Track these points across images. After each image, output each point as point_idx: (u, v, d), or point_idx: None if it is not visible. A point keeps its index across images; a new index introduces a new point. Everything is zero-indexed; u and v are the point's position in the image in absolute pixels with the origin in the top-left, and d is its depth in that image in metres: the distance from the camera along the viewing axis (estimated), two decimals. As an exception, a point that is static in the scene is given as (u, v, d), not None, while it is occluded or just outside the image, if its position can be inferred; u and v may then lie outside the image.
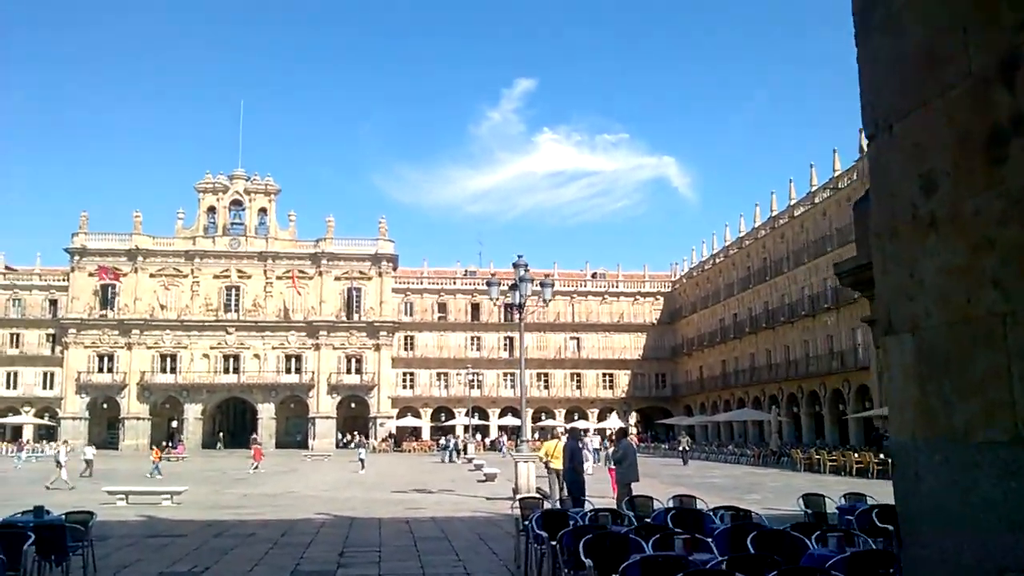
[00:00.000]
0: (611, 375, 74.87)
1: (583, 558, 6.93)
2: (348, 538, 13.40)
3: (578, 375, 74.46)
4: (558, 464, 18.81)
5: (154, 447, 40.92)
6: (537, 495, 21.24)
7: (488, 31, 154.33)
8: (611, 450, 21.81)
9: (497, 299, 22.39)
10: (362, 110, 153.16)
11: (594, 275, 77.90)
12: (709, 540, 7.40)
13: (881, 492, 14.65)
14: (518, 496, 20.78)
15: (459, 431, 68.69)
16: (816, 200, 51.68)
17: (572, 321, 74.58)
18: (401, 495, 24.21)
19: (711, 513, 10.27)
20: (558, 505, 18.35)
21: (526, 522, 10.19)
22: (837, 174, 49.23)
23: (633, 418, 71.71)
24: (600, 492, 23.69)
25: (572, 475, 14.57)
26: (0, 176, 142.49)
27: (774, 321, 56.25)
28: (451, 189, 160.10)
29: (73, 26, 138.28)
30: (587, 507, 11.52)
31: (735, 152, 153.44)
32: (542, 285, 22.14)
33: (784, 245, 55.68)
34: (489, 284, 22.52)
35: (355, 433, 67.34)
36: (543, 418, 72.90)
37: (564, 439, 19.62)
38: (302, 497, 24.06)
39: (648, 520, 10.30)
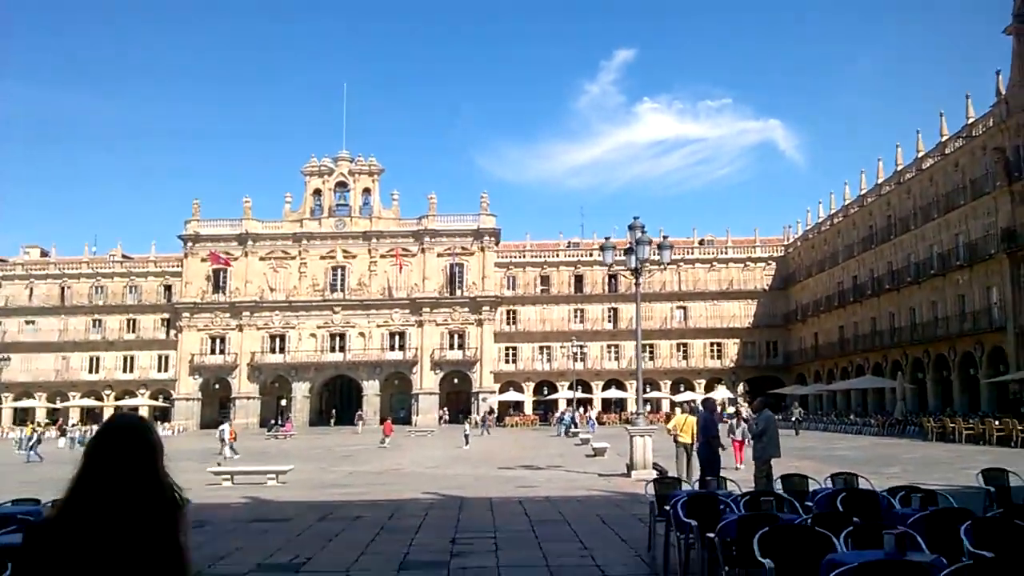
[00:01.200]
0: (719, 344, 72.15)
1: (760, 557, 5.46)
2: (459, 521, 12.24)
3: (685, 345, 72.06)
4: (686, 438, 17.74)
5: (229, 425, 39.30)
6: (655, 471, 19.81)
7: (584, 3, 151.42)
8: (747, 423, 19.88)
9: (611, 265, 20.84)
10: (462, 89, 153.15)
11: (701, 242, 75.10)
12: (916, 535, 5.79)
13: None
14: (637, 473, 19.38)
15: (561, 404, 67.76)
16: (947, 151, 47.83)
17: (679, 290, 72.03)
18: (509, 472, 23.09)
19: (886, 495, 8.58)
20: (688, 482, 16.92)
21: (666, 507, 8.73)
22: (970, 121, 45.30)
23: (741, 388, 69.05)
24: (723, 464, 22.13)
25: (706, 450, 12.98)
26: (117, 168, 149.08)
27: (899, 282, 52.64)
28: (551, 164, 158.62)
29: (181, 21, 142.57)
30: (732, 488, 9.95)
31: (844, 113, 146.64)
32: (660, 248, 20.47)
33: (911, 201, 51.88)
34: (603, 249, 20.96)
35: (461, 413, 66.71)
36: (648, 390, 70.94)
37: (696, 410, 18.02)
38: (408, 474, 23.24)
39: (810, 504, 8.70)
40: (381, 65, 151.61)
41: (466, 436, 38.81)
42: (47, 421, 67.27)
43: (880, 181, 56.99)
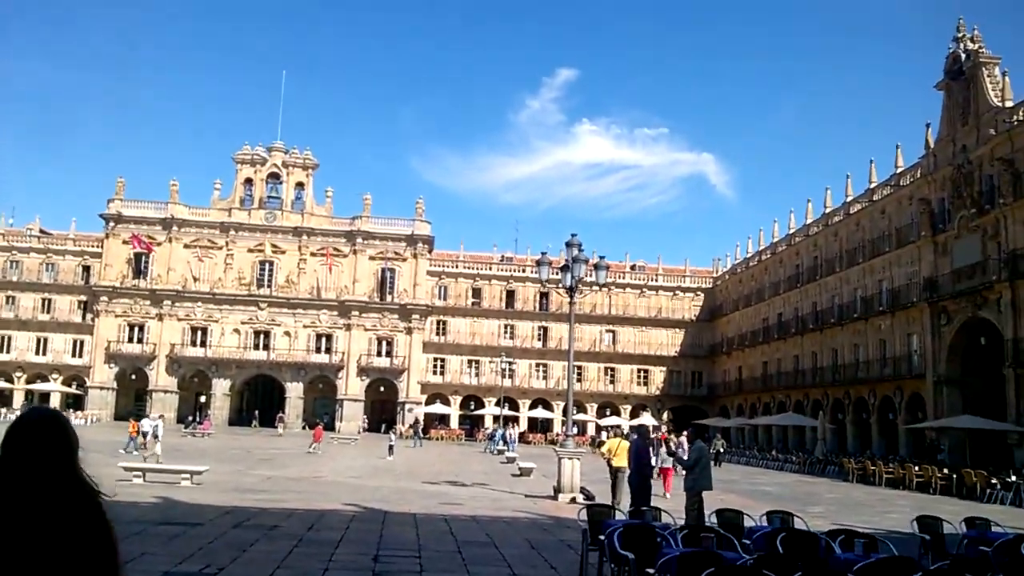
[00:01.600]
0: (646, 371, 72.85)
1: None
2: (382, 537, 11.79)
3: (612, 369, 72.54)
4: (621, 461, 17.76)
5: (131, 420, 38.12)
6: (582, 495, 19.61)
7: (532, 19, 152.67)
8: (678, 451, 19.95)
9: (546, 281, 20.63)
10: (403, 91, 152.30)
11: (633, 267, 75.84)
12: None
13: (954, 511, 12.87)
14: (564, 496, 19.15)
15: (488, 420, 67.49)
16: (875, 198, 49.26)
17: (608, 314, 72.56)
18: (433, 487, 22.66)
19: (825, 537, 8.49)
20: (618, 508, 16.85)
21: (600, 536, 8.48)
22: (899, 170, 46.77)
23: (666, 416, 69.72)
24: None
25: (638, 478, 12.79)
26: (37, 140, 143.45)
27: (822, 323, 53.95)
28: (488, 176, 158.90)
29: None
30: (666, 519, 9.77)
31: (775, 151, 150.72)
32: (596, 268, 20.37)
33: (838, 243, 53.29)
34: (539, 264, 20.76)
35: (385, 422, 65.76)
36: (575, 411, 71.20)
37: (629, 437, 18.08)
38: (329, 483, 22.61)
39: (748, 543, 8.56)
40: (322, 56, 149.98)
41: (390, 447, 38.04)
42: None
43: (809, 222, 58.46)
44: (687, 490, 12.81)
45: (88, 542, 2.29)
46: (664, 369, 72.84)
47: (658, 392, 72.27)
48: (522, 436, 63.44)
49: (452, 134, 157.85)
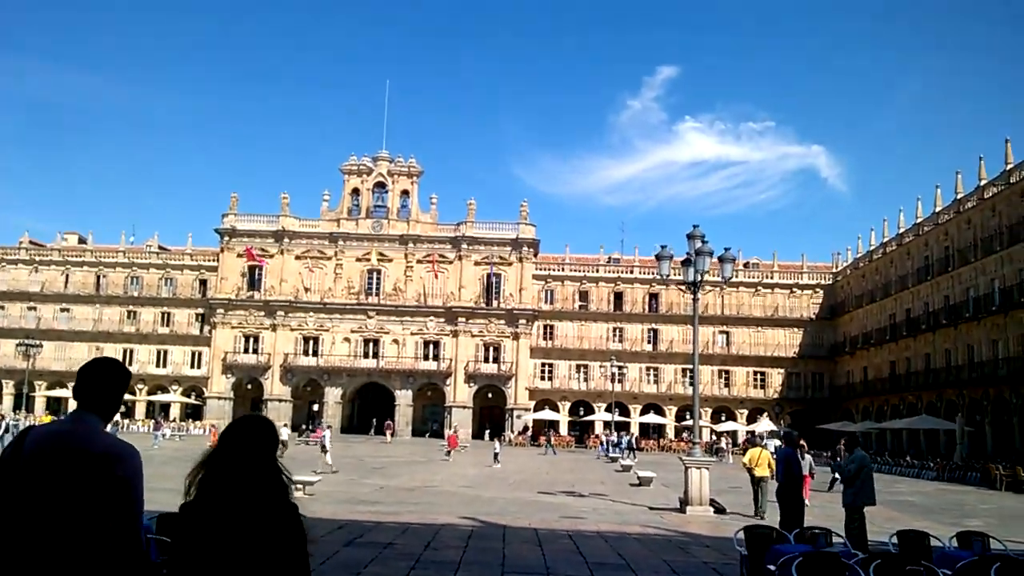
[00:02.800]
0: (763, 373, 69.86)
1: None
2: (505, 558, 10.72)
3: (727, 372, 69.86)
4: (763, 471, 17.85)
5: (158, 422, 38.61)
6: (712, 508, 18.13)
7: (631, 19, 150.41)
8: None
9: (668, 276, 19.26)
10: (503, 98, 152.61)
11: (746, 264, 72.81)
12: None
13: None
14: (692, 509, 17.71)
15: (598, 427, 66.08)
16: (1012, 180, 45.53)
17: (721, 314, 69.92)
18: (550, 498, 21.52)
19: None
20: (761, 519, 15.51)
21: (771, 567, 7.13)
22: (1041, 151, 43.02)
23: (783, 422, 66.59)
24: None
25: (789, 493, 11.20)
26: (156, 159, 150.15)
27: (956, 318, 50.29)
28: (589, 179, 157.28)
29: (226, 14, 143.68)
30: (836, 540, 8.33)
31: (891, 141, 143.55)
32: (721, 260, 18.88)
33: (971, 231, 49.57)
34: (658, 259, 19.37)
35: (489, 429, 65.16)
36: (687, 417, 68.91)
37: (770, 445, 16.61)
38: (442, 493, 21.80)
39: (948, 573, 7.06)
40: (423, 67, 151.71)
41: (495, 455, 37.24)
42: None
43: (938, 209, 54.67)
44: (847, 505, 11.24)
45: (282, 517, 2.86)
46: (782, 371, 69.71)
47: (776, 395, 69.17)
48: (636, 442, 61.86)
49: (552, 138, 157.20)
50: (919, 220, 57.27)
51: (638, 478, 26.79)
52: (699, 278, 18.18)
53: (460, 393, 68.40)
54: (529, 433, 65.30)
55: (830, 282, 71.69)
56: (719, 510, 17.99)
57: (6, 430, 34.45)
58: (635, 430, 66.51)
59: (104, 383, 3.14)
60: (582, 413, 68.67)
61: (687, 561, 10.97)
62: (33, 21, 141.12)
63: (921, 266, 55.94)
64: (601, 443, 54.72)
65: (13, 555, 2.65)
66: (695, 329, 19.85)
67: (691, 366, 69.48)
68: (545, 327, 71.28)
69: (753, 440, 24.09)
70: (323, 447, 30.11)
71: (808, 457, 26.01)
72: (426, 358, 69.39)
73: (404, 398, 68.35)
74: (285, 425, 37.07)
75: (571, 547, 11.72)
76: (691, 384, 68.55)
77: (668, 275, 19.41)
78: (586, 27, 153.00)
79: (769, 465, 18.74)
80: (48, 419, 42.87)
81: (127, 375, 3.33)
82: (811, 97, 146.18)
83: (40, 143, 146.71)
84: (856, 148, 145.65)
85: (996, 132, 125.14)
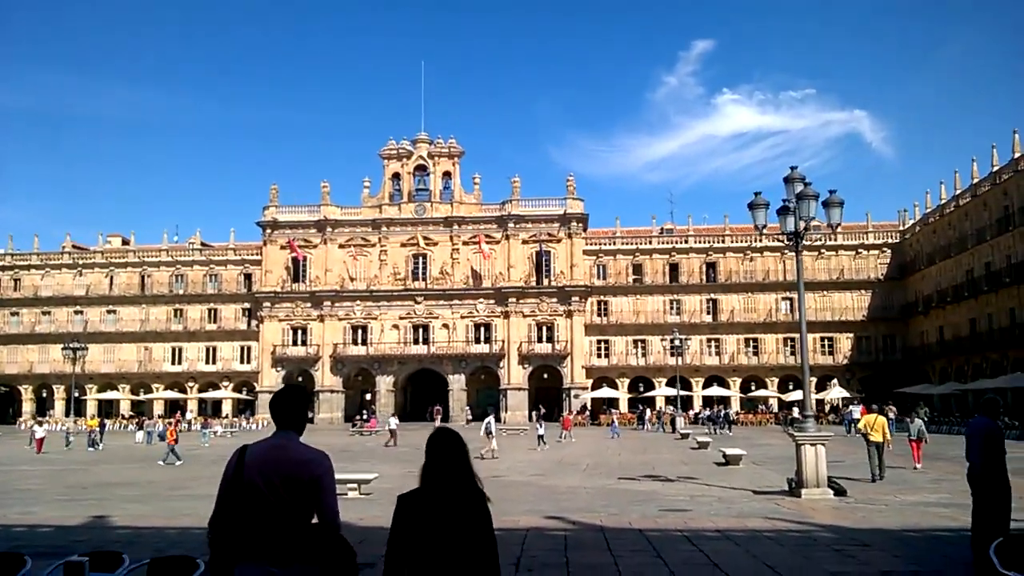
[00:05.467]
0: (830, 339, 66.43)
1: None
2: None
3: (792, 340, 66.44)
4: (877, 437, 19.23)
5: (168, 424, 36.52)
6: (831, 490, 15.58)
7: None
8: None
9: (765, 225, 16.71)
10: (537, 80, 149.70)
11: (807, 227, 69.09)
12: None
13: None
14: (809, 492, 15.20)
15: (659, 402, 63.48)
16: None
17: (783, 280, 66.59)
18: (634, 484, 19.13)
19: None
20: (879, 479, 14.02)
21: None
22: None
23: (855, 387, 63.23)
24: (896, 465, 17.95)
25: (988, 481, 8.26)
26: (195, 156, 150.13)
27: (1045, 269, 46.67)
28: (628, 157, 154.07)
29: (250, 2, 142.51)
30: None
31: (936, 100, 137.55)
32: (827, 205, 16.24)
33: (1060, 176, 45.85)
34: (751, 207, 16.76)
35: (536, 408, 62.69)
36: (753, 388, 65.98)
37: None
38: (512, 484, 19.54)
39: None
40: (456, 48, 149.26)
41: (540, 437, 34.48)
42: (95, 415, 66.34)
43: (1016, 156, 50.86)
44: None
45: (483, 516, 3.69)
46: (851, 336, 66.25)
47: (845, 361, 65.79)
48: (697, 416, 59.26)
49: (588, 118, 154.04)
50: (995, 168, 53.43)
51: (724, 456, 24.24)
52: (805, 224, 15.62)
53: (515, 375, 66.28)
54: (587, 412, 62.98)
55: (898, 240, 67.86)
56: (839, 491, 15.47)
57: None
58: (698, 404, 63.87)
59: (294, 406, 4.15)
60: (642, 389, 66.09)
61: (862, 572, 8.47)
62: (66, 29, 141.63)
63: (1000, 217, 52.17)
64: (704, 417, 52.62)
65: (274, 528, 3.82)
66: (800, 289, 17.45)
67: (754, 336, 66.73)
68: (599, 303, 68.71)
69: (871, 406, 22.52)
70: (488, 432, 29.53)
71: (918, 421, 23.82)
72: (477, 341, 67.36)
73: (457, 383, 66.45)
74: (495, 413, 37.48)
75: (698, 556, 9.32)
76: (755, 354, 65.96)
77: (765, 224, 16.80)
78: (618, 5, 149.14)
79: (884, 430, 19.73)
80: (95, 423, 41.65)
81: (307, 396, 4.69)
82: (851, 62, 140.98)
83: (80, 150, 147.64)
84: (901, 110, 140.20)
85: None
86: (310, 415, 66.07)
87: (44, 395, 72.52)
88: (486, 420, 31.25)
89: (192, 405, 68.37)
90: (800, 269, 16.91)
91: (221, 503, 3.94)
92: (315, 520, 3.93)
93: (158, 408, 68.16)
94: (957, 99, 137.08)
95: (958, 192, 58.78)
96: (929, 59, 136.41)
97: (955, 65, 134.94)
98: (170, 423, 36.17)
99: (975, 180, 56.08)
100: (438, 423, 55.49)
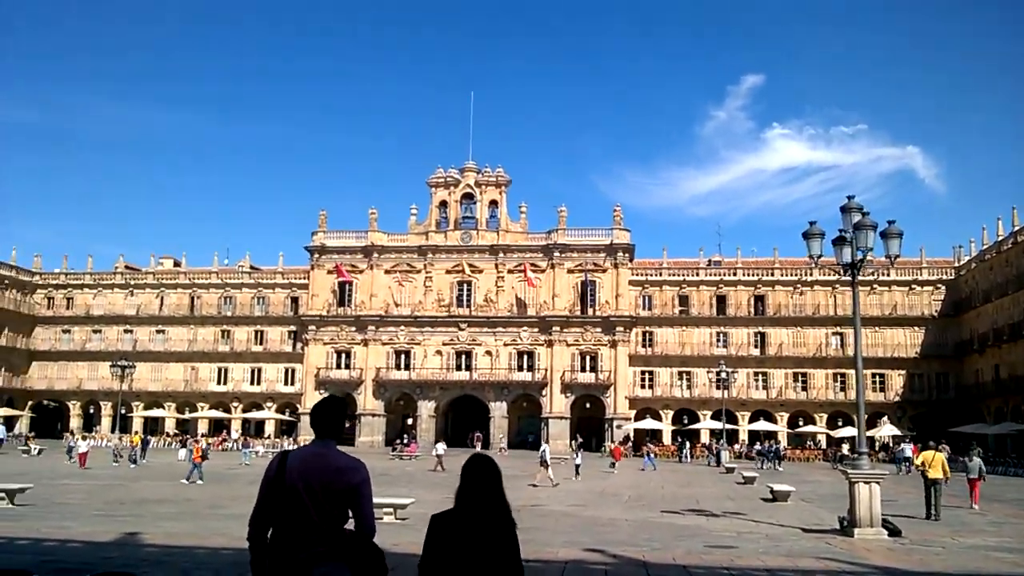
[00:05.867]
0: (882, 375, 64.77)
1: None
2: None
3: (842, 375, 65.07)
4: (936, 474, 19.36)
5: (195, 441, 36.98)
6: (885, 531, 14.94)
7: (712, 28, 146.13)
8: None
9: (819, 256, 16.23)
10: (585, 112, 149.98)
11: (860, 261, 67.75)
12: None
13: None
14: (862, 532, 14.59)
15: (704, 436, 62.51)
16: None
17: (834, 314, 65.33)
18: (678, 518, 18.60)
19: None
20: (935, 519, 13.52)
21: None
22: None
23: (907, 425, 61.45)
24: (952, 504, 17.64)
25: None
26: (246, 181, 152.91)
27: (1110, 308, 45.00)
28: (674, 191, 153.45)
29: (303, 27, 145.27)
30: None
31: (987, 138, 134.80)
32: (885, 236, 15.73)
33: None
34: (806, 236, 16.30)
35: (577, 439, 61.98)
36: (801, 423, 64.51)
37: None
38: (551, 515, 19.13)
39: None
40: (506, 79, 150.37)
41: (577, 467, 34.43)
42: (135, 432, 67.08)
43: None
44: None
45: (511, 540, 3.93)
46: (903, 373, 64.56)
47: (897, 398, 64.06)
48: (746, 453, 58.06)
49: (635, 151, 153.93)
50: (1057, 203, 51.92)
51: (772, 492, 23.52)
52: (859, 259, 15.14)
53: (556, 404, 65.70)
54: (630, 443, 62.08)
55: (952, 277, 66.20)
56: (893, 531, 14.82)
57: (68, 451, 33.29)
58: (745, 438, 62.70)
59: (332, 416, 4.42)
60: (686, 421, 65.06)
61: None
62: (118, 48, 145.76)
63: (1062, 253, 50.64)
64: (757, 453, 51.80)
65: (311, 529, 4.06)
66: (856, 322, 16.82)
67: (803, 371, 65.41)
68: (644, 334, 68.00)
69: (930, 443, 21.79)
70: (544, 462, 29.52)
71: (977, 460, 22.80)
72: (520, 369, 67.00)
73: (499, 410, 66.06)
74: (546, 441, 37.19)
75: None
76: (803, 389, 64.62)
77: (820, 255, 16.31)
78: (669, 38, 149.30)
79: (943, 467, 19.75)
80: (137, 439, 42.15)
81: (345, 407, 4.80)
82: (903, 97, 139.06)
83: (135, 172, 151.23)
84: (953, 147, 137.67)
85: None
86: (350, 436, 66.34)
87: (92, 411, 73.72)
88: (541, 449, 31.41)
89: (236, 425, 68.95)
90: (857, 301, 16.44)
91: (261, 503, 4.21)
92: (350, 525, 4.19)
93: (203, 427, 68.94)
94: (1009, 135, 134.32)
95: (1016, 228, 57.24)
96: (982, 95, 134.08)
97: (1008, 102, 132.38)
98: (196, 440, 36.59)
99: (1033, 216, 54.58)
100: (478, 449, 55.15)
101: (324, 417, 4.38)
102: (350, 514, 4.15)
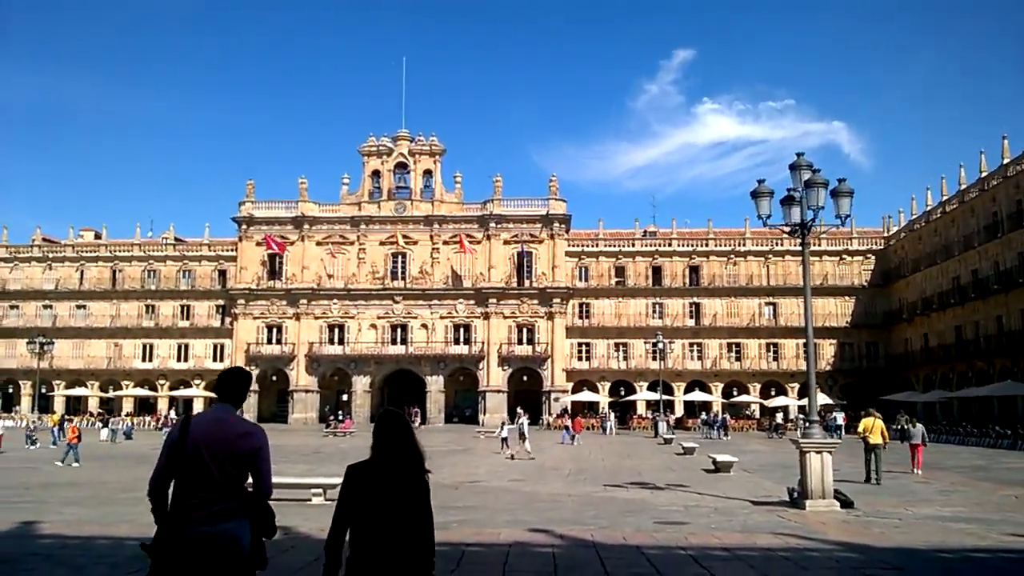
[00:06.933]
0: (814, 344, 65.58)
1: None
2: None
3: (775, 345, 65.79)
4: (876, 439, 20.09)
5: (68, 421, 35.98)
6: (836, 502, 14.50)
7: (645, 2, 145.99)
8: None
9: (769, 215, 15.59)
10: (519, 83, 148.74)
11: (790, 232, 68.37)
12: None
13: None
14: (814, 504, 14.10)
15: (640, 407, 62.69)
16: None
17: (767, 284, 65.92)
18: (622, 492, 17.97)
19: None
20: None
21: None
22: None
23: (838, 394, 62.53)
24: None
25: None
26: (170, 149, 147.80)
27: (1034, 276, 46.04)
28: (608, 164, 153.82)
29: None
30: None
31: (911, 114, 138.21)
32: (835, 194, 15.16)
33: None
34: (755, 196, 15.66)
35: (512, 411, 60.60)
36: (735, 393, 65.08)
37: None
38: (492, 490, 18.34)
39: None
40: (439, 49, 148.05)
41: (503, 440, 31.75)
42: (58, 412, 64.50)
43: (1006, 162, 50.31)
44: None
45: (421, 486, 4.23)
46: (833, 342, 65.50)
47: (828, 368, 64.97)
48: (679, 422, 58.28)
49: (570, 124, 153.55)
50: (983, 175, 52.88)
51: (714, 463, 23.15)
52: (812, 214, 14.54)
53: (494, 377, 65.00)
54: (567, 416, 61.73)
55: (882, 247, 67.30)
56: (845, 503, 14.38)
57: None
58: (680, 409, 63.03)
59: (236, 384, 4.70)
60: (623, 393, 65.05)
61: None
62: (42, 25, 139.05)
63: (988, 223, 51.61)
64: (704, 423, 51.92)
65: (214, 483, 4.29)
66: (806, 286, 16.25)
67: (737, 341, 65.82)
68: (580, 305, 67.62)
69: (867, 410, 21.56)
70: (521, 434, 29.92)
71: (920, 425, 23.30)
72: (456, 342, 66.05)
73: (435, 384, 65.10)
74: (526, 413, 36.79)
75: (704, 577, 8.14)
76: (737, 360, 65.08)
77: (769, 214, 15.65)
78: (601, 12, 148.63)
79: (882, 433, 20.48)
80: (55, 420, 40.08)
81: (249, 376, 4.91)
82: (830, 73, 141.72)
83: (53, 143, 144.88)
84: (876, 122, 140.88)
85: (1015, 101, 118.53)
86: (283, 413, 64.75)
87: (11, 391, 70.37)
88: (519, 422, 31.61)
89: (163, 403, 66.60)
90: (807, 261, 15.99)
91: (164, 465, 4.39)
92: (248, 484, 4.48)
93: (127, 406, 66.38)
94: (932, 110, 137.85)
95: (944, 199, 58.26)
96: (904, 70, 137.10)
97: (930, 75, 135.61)
98: (70, 420, 35.21)
99: (962, 186, 55.52)
100: (416, 425, 54.17)
101: (228, 384, 4.67)
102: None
